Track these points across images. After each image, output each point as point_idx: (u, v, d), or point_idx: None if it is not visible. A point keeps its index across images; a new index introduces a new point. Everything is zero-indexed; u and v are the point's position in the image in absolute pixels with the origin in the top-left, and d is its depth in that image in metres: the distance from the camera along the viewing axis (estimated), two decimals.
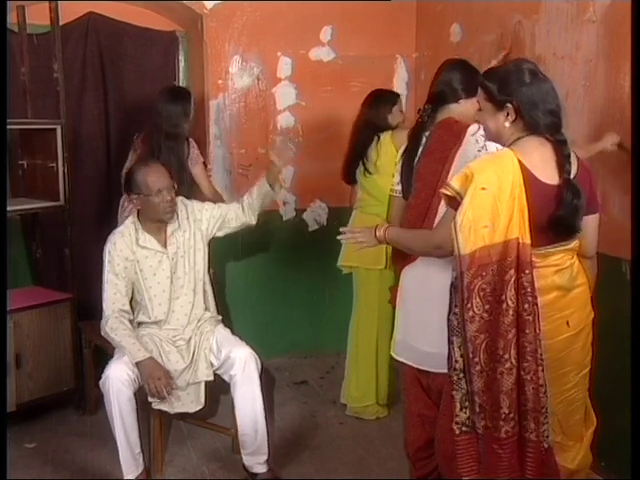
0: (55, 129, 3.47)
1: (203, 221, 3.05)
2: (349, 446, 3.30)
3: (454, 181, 2.01)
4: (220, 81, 4.15)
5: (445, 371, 2.57)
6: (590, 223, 2.12)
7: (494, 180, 1.95)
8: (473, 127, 2.45)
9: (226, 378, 2.91)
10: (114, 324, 2.84)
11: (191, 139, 3.75)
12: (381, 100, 3.52)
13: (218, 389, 3.10)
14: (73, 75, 4.05)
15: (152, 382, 2.72)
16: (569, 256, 2.09)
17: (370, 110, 3.51)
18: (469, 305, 1.98)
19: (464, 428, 2.06)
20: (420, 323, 2.60)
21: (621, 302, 2.58)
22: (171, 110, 3.61)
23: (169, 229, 2.96)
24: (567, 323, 2.08)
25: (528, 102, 2.01)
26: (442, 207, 2.45)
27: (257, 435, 2.87)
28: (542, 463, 2.03)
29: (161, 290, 2.94)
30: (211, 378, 2.92)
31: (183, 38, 4.48)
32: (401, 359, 2.68)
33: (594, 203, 2.12)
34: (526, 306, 1.96)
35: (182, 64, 4.52)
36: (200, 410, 2.94)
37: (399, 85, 4.40)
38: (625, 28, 2.63)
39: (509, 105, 2.02)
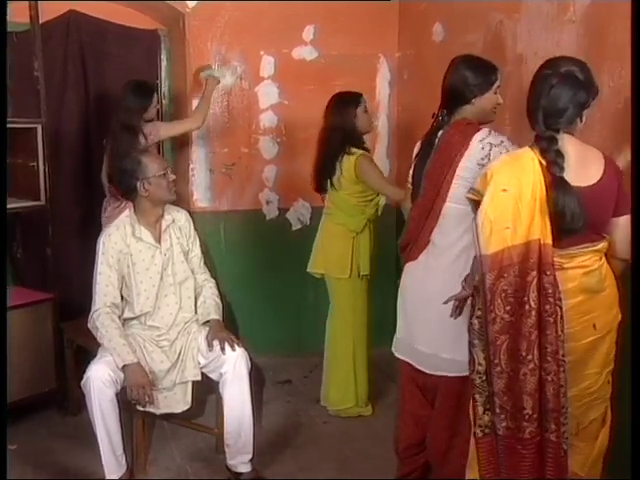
0: (36, 128, 3.44)
1: (188, 250, 3.07)
2: (333, 445, 3.32)
3: (477, 184, 2.02)
4: (202, 80, 4.12)
5: (439, 373, 2.58)
6: (620, 224, 2.08)
7: (514, 181, 1.97)
8: (482, 133, 2.44)
9: (214, 377, 2.90)
10: (105, 320, 2.82)
11: (143, 122, 3.77)
12: (343, 104, 3.45)
13: (204, 389, 3.09)
14: (54, 74, 4.01)
15: (135, 389, 2.72)
16: (597, 257, 2.07)
17: (334, 117, 3.44)
18: (491, 307, 1.98)
19: (486, 430, 2.07)
20: (419, 323, 2.61)
21: None
22: (128, 102, 3.70)
23: (163, 224, 2.97)
24: (594, 326, 2.07)
25: None
26: (445, 208, 2.49)
27: (243, 434, 2.86)
28: (560, 465, 2.03)
29: (151, 285, 2.93)
30: (199, 378, 2.92)
31: (165, 37, 4.47)
32: (401, 357, 2.70)
33: (623, 204, 2.05)
34: (547, 307, 1.96)
35: (164, 63, 4.50)
36: (186, 410, 2.93)
37: (382, 84, 4.44)
38: (605, 28, 2.66)
39: None
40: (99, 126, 4.23)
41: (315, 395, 3.77)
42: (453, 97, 2.55)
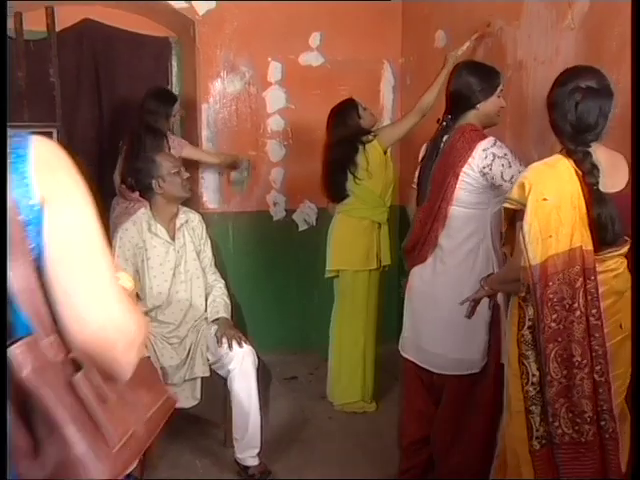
0: (51, 132, 3.48)
1: (200, 251, 3.10)
2: (337, 440, 3.32)
3: (513, 193, 2.00)
4: (212, 85, 4.16)
5: (448, 373, 2.56)
6: None
7: (553, 190, 1.95)
8: (487, 142, 2.44)
9: (222, 373, 2.92)
10: None
11: (169, 132, 3.85)
12: (344, 113, 3.50)
13: (213, 385, 3.09)
14: (69, 80, 4.05)
15: None
16: (622, 260, 2.07)
17: (340, 127, 3.48)
18: (541, 316, 1.97)
19: (543, 441, 2.04)
20: (427, 324, 2.62)
21: None
22: (153, 107, 3.77)
23: (177, 223, 3.00)
24: (620, 326, 2.06)
25: None
26: (451, 211, 2.50)
27: (250, 428, 2.88)
28: (619, 462, 2.02)
29: (163, 280, 2.95)
30: (207, 374, 2.93)
31: (176, 44, 4.50)
32: (408, 357, 2.70)
33: None
34: (594, 311, 1.96)
35: (175, 69, 4.55)
36: (195, 405, 2.94)
37: (386, 89, 4.44)
38: (602, 34, 2.66)
39: None
40: (112, 130, 4.28)
41: (320, 391, 3.78)
42: (458, 103, 2.55)
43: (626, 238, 2.07)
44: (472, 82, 2.52)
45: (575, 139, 2.01)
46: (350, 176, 3.48)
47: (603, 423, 2.00)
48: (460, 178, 2.44)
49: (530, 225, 1.93)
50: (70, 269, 0.99)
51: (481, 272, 2.44)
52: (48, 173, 1.00)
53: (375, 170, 3.47)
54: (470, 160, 2.43)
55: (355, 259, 3.54)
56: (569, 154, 2.03)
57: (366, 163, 3.44)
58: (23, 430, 0.93)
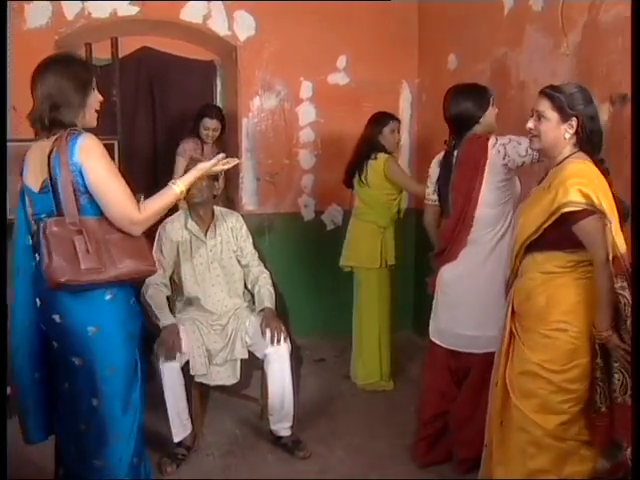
0: (113, 144, 3.55)
1: (241, 247, 3.14)
2: (360, 414, 3.36)
3: (574, 197, 1.91)
4: (251, 102, 4.24)
5: (488, 350, 2.53)
6: None
7: (601, 185, 1.94)
8: (491, 141, 2.51)
9: (259, 355, 2.96)
10: (153, 293, 2.90)
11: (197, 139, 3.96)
12: (375, 122, 3.53)
13: (251, 365, 3.16)
14: (129, 98, 4.17)
15: (166, 342, 2.74)
16: None
17: (367, 129, 3.54)
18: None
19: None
20: (465, 312, 2.64)
21: None
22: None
23: (212, 222, 3.04)
24: None
25: (589, 119, 2.01)
26: (478, 213, 2.54)
27: (285, 406, 2.92)
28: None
29: (197, 273, 2.99)
30: (246, 356, 2.97)
31: (220, 66, 4.58)
32: (445, 345, 2.70)
33: None
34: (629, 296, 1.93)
35: (219, 88, 4.62)
36: (235, 383, 3.01)
37: (404, 105, 4.46)
38: (592, 60, 2.71)
39: (574, 118, 2.01)
40: (165, 140, 4.38)
41: (345, 372, 3.81)
42: (462, 125, 2.61)
43: None
44: (469, 106, 2.58)
45: (599, 151, 2.05)
46: (357, 177, 3.54)
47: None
48: (486, 178, 2.50)
49: (612, 216, 1.90)
50: (100, 190, 1.89)
51: (508, 256, 2.42)
52: (85, 147, 1.88)
53: (374, 183, 3.49)
54: (489, 162, 2.49)
55: (361, 258, 3.59)
56: (598, 163, 2.03)
57: (366, 173, 3.50)
58: (49, 256, 1.84)
